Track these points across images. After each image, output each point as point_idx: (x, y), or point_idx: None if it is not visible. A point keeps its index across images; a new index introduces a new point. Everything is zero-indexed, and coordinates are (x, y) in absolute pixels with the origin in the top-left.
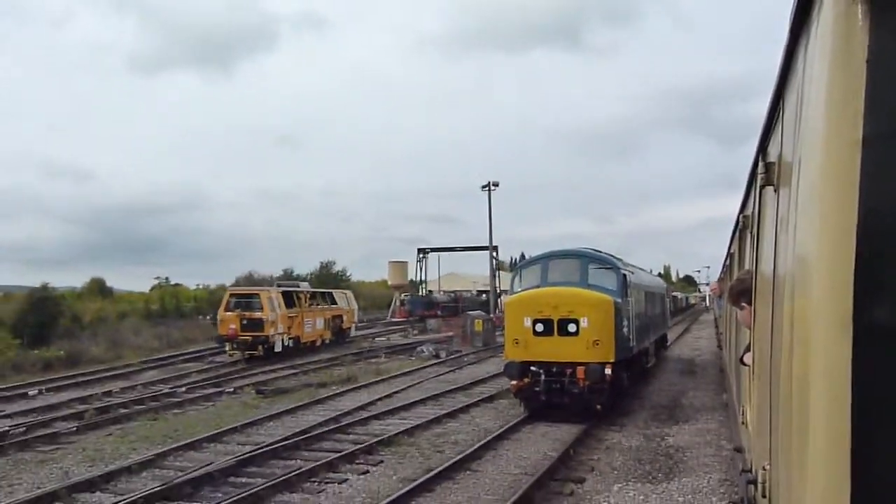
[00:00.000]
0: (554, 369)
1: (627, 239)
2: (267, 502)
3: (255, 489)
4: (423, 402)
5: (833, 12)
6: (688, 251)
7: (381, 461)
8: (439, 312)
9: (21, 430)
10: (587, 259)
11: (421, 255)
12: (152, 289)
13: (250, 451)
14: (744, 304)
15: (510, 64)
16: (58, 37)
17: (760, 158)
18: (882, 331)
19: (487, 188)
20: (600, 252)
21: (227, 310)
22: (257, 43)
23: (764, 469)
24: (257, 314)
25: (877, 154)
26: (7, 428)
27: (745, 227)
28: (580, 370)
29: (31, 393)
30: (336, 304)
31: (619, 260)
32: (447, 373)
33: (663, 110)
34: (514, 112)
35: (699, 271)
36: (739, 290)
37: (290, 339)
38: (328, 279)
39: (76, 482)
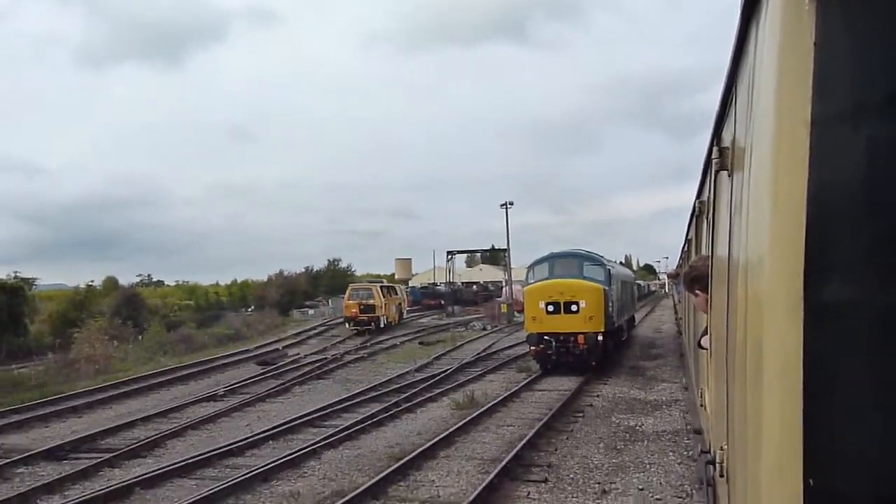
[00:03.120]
0: (561, 338)
1: (586, 229)
2: (507, 367)
3: (495, 364)
4: (513, 346)
5: None
6: (645, 240)
7: (528, 364)
8: (442, 301)
9: (327, 360)
10: (582, 258)
11: (450, 256)
12: (137, 286)
13: (468, 359)
14: (698, 290)
15: (465, 58)
16: (2, 30)
17: (715, 143)
18: (831, 310)
19: (505, 206)
20: (590, 252)
21: (349, 299)
22: (208, 36)
23: (721, 449)
24: (371, 301)
25: (825, 134)
26: (321, 360)
27: (701, 213)
28: (580, 337)
29: (280, 347)
30: (397, 294)
31: (603, 258)
32: (506, 336)
33: (615, 103)
34: (470, 105)
35: (658, 261)
36: (693, 277)
37: (387, 319)
38: (337, 275)
39: (408, 370)
